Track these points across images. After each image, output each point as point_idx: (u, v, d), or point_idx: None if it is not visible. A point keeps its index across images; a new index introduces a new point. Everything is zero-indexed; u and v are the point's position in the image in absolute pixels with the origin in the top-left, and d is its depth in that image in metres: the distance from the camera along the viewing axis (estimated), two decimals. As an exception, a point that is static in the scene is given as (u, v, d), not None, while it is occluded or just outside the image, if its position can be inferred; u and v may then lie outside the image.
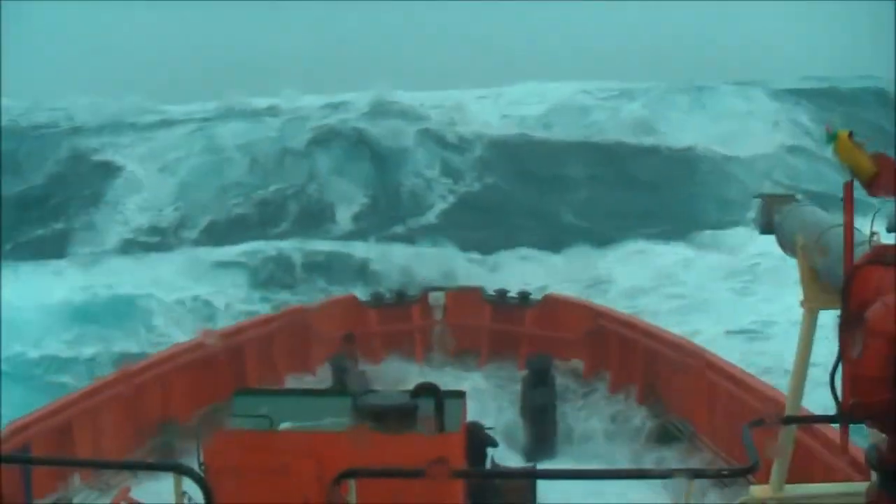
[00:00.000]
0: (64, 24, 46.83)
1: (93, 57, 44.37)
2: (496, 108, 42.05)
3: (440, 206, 33.97)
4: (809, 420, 7.62)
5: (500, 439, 10.38)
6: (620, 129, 40.01)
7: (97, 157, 37.24)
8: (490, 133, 39.07)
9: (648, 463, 11.43)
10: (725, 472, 7.49)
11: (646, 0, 51.05)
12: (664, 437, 12.03)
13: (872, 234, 5.60)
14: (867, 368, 4.51)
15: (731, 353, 17.91)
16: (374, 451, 7.24)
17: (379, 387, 10.88)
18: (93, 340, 21.68)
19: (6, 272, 25.45)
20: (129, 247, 30.64)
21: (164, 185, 35.01)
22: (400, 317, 14.75)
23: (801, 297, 6.79)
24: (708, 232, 29.10)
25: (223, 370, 12.70)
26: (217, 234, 31.41)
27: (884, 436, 4.83)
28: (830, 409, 5.50)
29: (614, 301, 21.32)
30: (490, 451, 9.60)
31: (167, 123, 40.47)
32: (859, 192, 5.68)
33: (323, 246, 29.17)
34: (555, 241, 28.92)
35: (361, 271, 26.92)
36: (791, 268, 6.89)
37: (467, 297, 15.01)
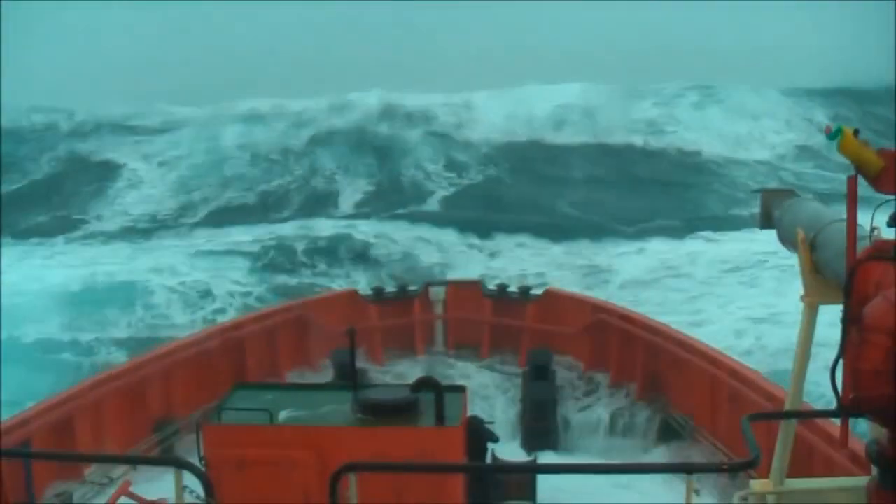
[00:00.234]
0: (64, 25, 46.58)
1: (94, 59, 44.14)
2: (504, 110, 41.93)
3: (442, 193, 34.08)
4: (810, 415, 7.63)
5: (501, 433, 10.40)
6: (629, 130, 39.99)
7: (98, 157, 37.32)
8: (497, 133, 39.09)
9: (649, 457, 11.45)
10: (725, 466, 7.50)
11: (657, 0, 50.42)
12: (665, 431, 12.05)
13: (873, 229, 5.60)
14: (868, 363, 4.51)
15: (743, 339, 17.97)
16: (374, 445, 7.25)
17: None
18: (91, 324, 21.72)
19: (5, 254, 25.59)
20: (128, 233, 30.70)
21: (164, 179, 35.07)
22: (401, 311, 14.75)
23: (801, 291, 6.79)
24: (712, 232, 28.99)
25: (224, 365, 12.71)
26: (218, 220, 31.46)
27: (884, 430, 4.83)
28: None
29: (615, 292, 21.37)
30: (490, 445, 9.60)
31: (169, 125, 40.51)
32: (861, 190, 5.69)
33: (325, 228, 29.21)
34: (554, 230, 28.96)
35: (363, 255, 26.97)
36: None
37: (467, 292, 15.00)
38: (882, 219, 5.50)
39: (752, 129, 40.43)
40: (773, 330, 19.00)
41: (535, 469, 9.75)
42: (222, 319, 22.15)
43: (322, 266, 26.53)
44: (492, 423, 10.06)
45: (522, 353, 13.97)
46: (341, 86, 41.75)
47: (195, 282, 24.37)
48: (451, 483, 7.55)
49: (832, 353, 5.24)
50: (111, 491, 8.79)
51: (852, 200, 5.79)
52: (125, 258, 26.67)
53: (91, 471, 10.31)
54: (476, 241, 28.23)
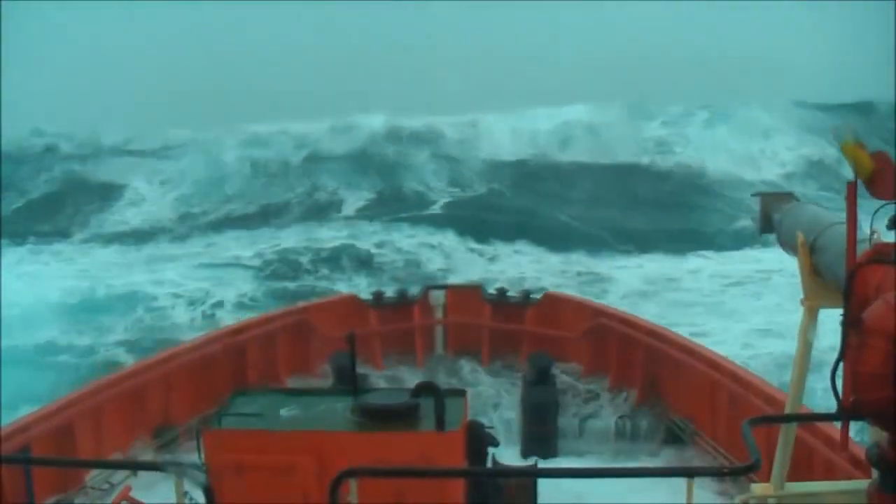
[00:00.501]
0: (63, 49, 46.50)
1: (92, 84, 43.97)
2: (509, 130, 41.81)
3: (443, 201, 34.16)
4: (810, 418, 7.64)
5: (501, 438, 10.39)
6: (636, 150, 39.86)
7: (98, 178, 37.30)
8: (502, 152, 39.07)
9: (649, 461, 11.44)
10: (726, 471, 7.49)
11: (663, 15, 50.07)
12: (665, 435, 12.04)
13: (872, 232, 5.61)
14: (868, 366, 4.52)
15: (745, 350, 17.87)
16: (375, 450, 7.25)
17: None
18: (90, 329, 21.72)
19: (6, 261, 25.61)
20: (128, 241, 30.70)
21: (166, 197, 35.09)
22: (400, 316, 14.75)
23: (801, 295, 6.80)
24: (713, 252, 28.87)
25: (224, 370, 12.71)
26: (220, 229, 31.48)
27: (884, 433, 4.83)
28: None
29: (615, 301, 21.35)
30: (490, 449, 9.60)
31: (170, 148, 40.49)
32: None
33: (327, 235, 29.24)
34: (552, 239, 28.98)
35: (366, 262, 27.00)
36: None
37: (467, 296, 15.00)
38: (881, 222, 5.51)
39: (764, 147, 40.13)
40: (776, 343, 18.99)
41: (535, 473, 9.74)
42: (220, 313, 22.26)
43: (324, 271, 26.58)
44: (492, 427, 10.05)
45: (522, 358, 13.97)
46: (343, 108, 41.63)
47: (196, 289, 24.40)
48: (451, 488, 7.55)
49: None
50: (112, 496, 8.79)
51: (852, 203, 5.80)
52: (124, 267, 26.66)
53: (91, 476, 10.31)
54: (475, 244, 28.29)
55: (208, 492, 6.02)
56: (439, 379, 12.96)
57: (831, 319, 6.58)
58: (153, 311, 23.00)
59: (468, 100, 42.02)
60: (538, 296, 14.87)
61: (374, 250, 27.80)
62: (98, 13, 49.65)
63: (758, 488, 6.97)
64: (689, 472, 5.92)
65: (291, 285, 25.14)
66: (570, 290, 21.20)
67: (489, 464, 9.43)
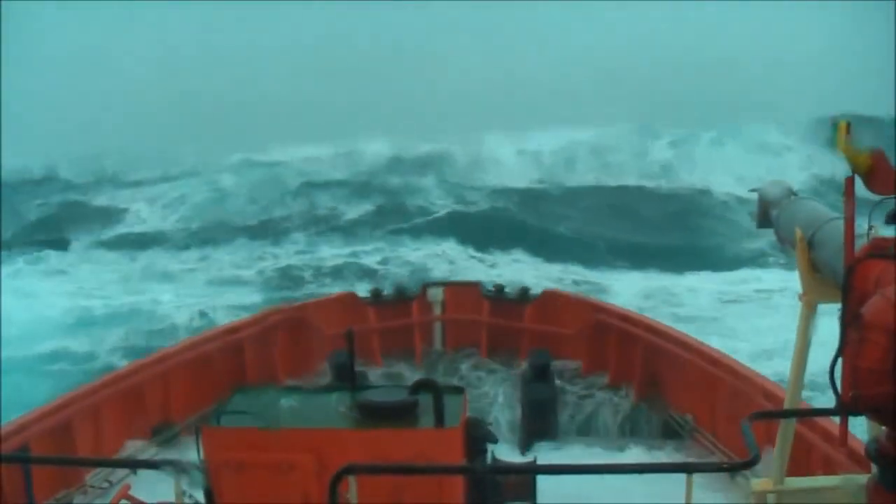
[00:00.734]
0: (59, 81, 46.33)
1: (89, 112, 43.81)
2: (515, 153, 41.65)
3: (445, 211, 34.28)
4: (809, 413, 7.64)
5: (500, 434, 10.39)
6: (641, 172, 39.65)
7: (98, 203, 37.22)
8: (507, 177, 39.00)
9: (649, 457, 11.44)
10: (725, 466, 7.50)
11: (672, 37, 49.51)
12: (665, 431, 12.05)
13: (870, 227, 5.61)
14: (867, 361, 4.52)
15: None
16: (374, 447, 7.25)
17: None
18: (89, 338, 21.71)
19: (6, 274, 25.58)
20: (127, 253, 30.71)
21: (167, 220, 35.05)
22: (399, 313, 14.75)
23: (799, 290, 6.80)
24: (712, 272, 28.68)
25: (222, 368, 12.71)
26: (218, 243, 31.49)
27: (883, 428, 4.84)
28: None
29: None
30: (489, 446, 9.59)
31: (171, 174, 40.40)
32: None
33: (328, 258, 29.27)
34: (549, 250, 29.05)
35: (370, 273, 27.09)
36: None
37: (466, 293, 15.00)
38: (879, 217, 5.51)
39: (772, 165, 39.67)
40: (776, 363, 18.92)
41: (534, 470, 9.74)
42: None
43: (327, 280, 26.69)
44: (490, 424, 10.05)
45: (521, 354, 13.97)
46: (346, 132, 41.47)
47: (196, 302, 24.46)
48: (450, 485, 7.55)
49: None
50: (111, 495, 8.78)
51: (850, 198, 5.80)
52: (123, 283, 26.63)
53: (91, 475, 10.31)
54: (475, 252, 28.36)
55: (207, 490, 6.03)
56: (438, 376, 12.98)
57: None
58: (153, 320, 23.00)
59: (474, 121, 41.93)
60: (537, 292, 14.88)
61: (376, 265, 27.81)
62: (99, 30, 49.52)
63: (757, 483, 6.97)
64: (688, 468, 5.92)
65: (293, 294, 25.13)
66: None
67: (488, 461, 9.43)
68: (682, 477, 5.84)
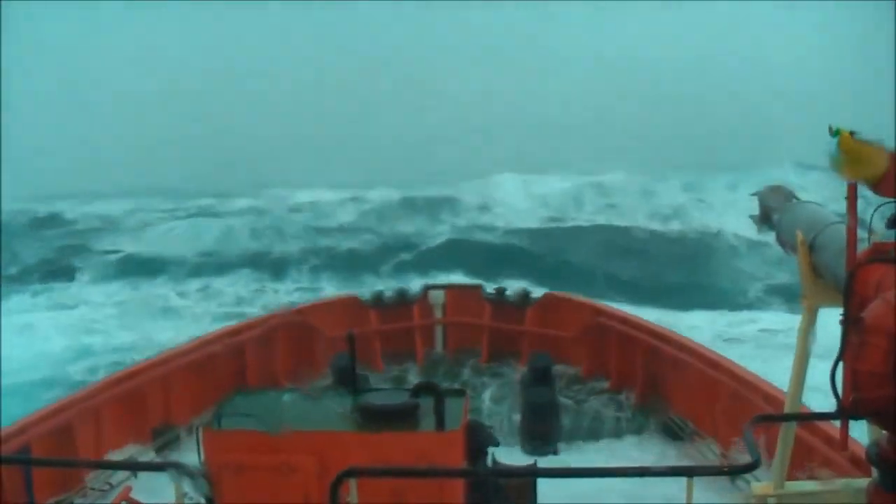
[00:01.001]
0: (58, 123, 46.35)
1: (94, 154, 43.74)
2: (525, 194, 41.46)
3: (445, 238, 34.40)
4: (810, 417, 7.64)
5: (501, 437, 10.37)
6: (651, 215, 39.45)
7: (100, 247, 37.14)
8: (516, 217, 38.91)
9: (649, 461, 11.43)
10: (726, 470, 7.49)
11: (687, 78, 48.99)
12: (665, 434, 12.04)
13: (871, 231, 5.61)
14: (867, 364, 4.52)
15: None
16: (374, 450, 7.25)
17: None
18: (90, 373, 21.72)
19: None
20: (131, 282, 30.75)
21: (169, 258, 34.96)
22: (400, 315, 14.76)
23: (800, 294, 6.80)
24: (712, 310, 28.48)
25: (223, 370, 12.71)
26: (222, 274, 31.50)
27: (884, 432, 4.84)
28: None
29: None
30: (491, 449, 9.60)
31: (175, 217, 40.36)
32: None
33: (331, 287, 29.30)
34: (552, 281, 28.99)
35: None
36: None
37: (467, 296, 15.02)
38: (880, 221, 5.51)
39: None
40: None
41: (535, 473, 9.73)
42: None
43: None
44: (492, 427, 10.04)
45: (522, 357, 13.97)
46: (352, 177, 41.38)
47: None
48: (451, 487, 7.55)
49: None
50: (112, 497, 8.79)
51: (852, 203, 5.80)
52: (126, 317, 26.63)
53: (91, 477, 10.31)
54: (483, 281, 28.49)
55: (208, 492, 6.03)
56: (439, 378, 12.98)
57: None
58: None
59: (487, 164, 41.78)
60: (538, 295, 14.89)
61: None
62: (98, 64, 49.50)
63: (758, 487, 6.97)
64: (689, 472, 5.92)
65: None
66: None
67: (489, 464, 9.43)
68: (683, 480, 5.83)
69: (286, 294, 29.60)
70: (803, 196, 7.81)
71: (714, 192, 41.49)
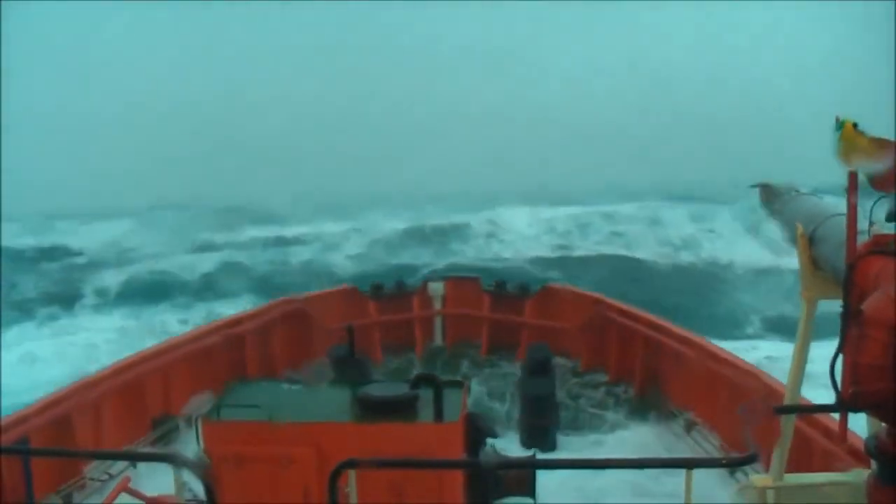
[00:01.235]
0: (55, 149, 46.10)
1: (89, 186, 43.44)
2: (532, 224, 41.13)
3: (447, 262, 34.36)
4: (809, 409, 7.63)
5: (500, 429, 10.39)
6: (661, 243, 39.21)
7: (102, 284, 37.01)
8: (523, 247, 38.72)
9: (648, 452, 11.45)
10: (725, 462, 7.49)
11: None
12: (665, 426, 12.05)
13: (871, 223, 5.60)
14: (867, 357, 4.51)
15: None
16: (374, 441, 7.25)
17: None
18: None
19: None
20: (134, 311, 30.79)
21: (172, 283, 34.79)
22: (399, 307, 14.76)
23: (800, 286, 6.80)
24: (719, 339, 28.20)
25: (222, 361, 12.72)
26: (223, 305, 31.40)
27: (883, 424, 4.83)
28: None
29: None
30: (490, 441, 9.60)
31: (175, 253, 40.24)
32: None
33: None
34: None
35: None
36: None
37: (466, 287, 15.01)
38: (880, 213, 5.50)
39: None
40: None
41: (534, 464, 9.75)
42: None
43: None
44: (491, 418, 10.05)
45: (521, 349, 13.97)
46: (349, 214, 41.18)
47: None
48: (450, 479, 7.55)
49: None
50: (111, 488, 8.79)
51: (852, 195, 5.78)
52: (122, 344, 26.53)
53: (90, 468, 10.31)
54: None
55: (207, 483, 6.03)
56: (438, 370, 12.99)
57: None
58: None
59: (489, 195, 41.47)
60: (537, 287, 14.89)
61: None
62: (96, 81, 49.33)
63: (757, 479, 6.97)
64: (688, 464, 5.91)
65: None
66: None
67: (488, 455, 9.44)
68: (682, 472, 5.83)
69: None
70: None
71: (723, 221, 41.10)
